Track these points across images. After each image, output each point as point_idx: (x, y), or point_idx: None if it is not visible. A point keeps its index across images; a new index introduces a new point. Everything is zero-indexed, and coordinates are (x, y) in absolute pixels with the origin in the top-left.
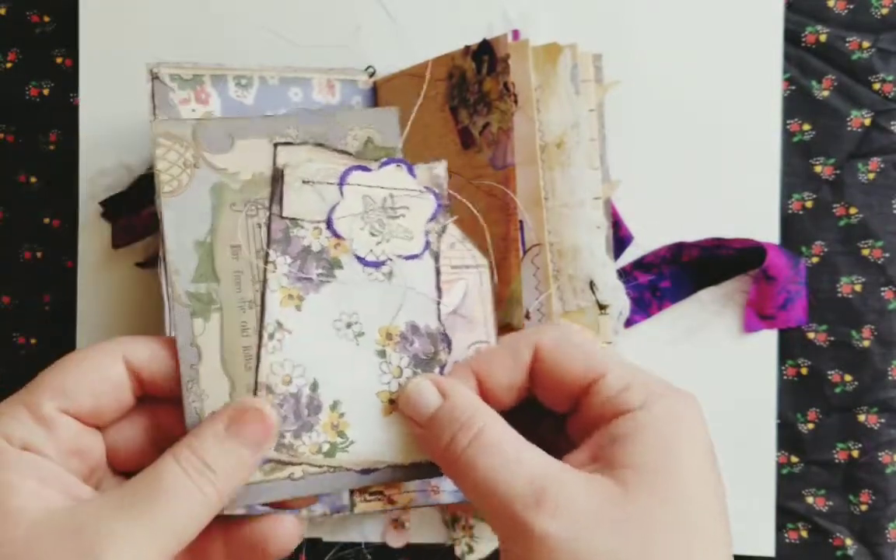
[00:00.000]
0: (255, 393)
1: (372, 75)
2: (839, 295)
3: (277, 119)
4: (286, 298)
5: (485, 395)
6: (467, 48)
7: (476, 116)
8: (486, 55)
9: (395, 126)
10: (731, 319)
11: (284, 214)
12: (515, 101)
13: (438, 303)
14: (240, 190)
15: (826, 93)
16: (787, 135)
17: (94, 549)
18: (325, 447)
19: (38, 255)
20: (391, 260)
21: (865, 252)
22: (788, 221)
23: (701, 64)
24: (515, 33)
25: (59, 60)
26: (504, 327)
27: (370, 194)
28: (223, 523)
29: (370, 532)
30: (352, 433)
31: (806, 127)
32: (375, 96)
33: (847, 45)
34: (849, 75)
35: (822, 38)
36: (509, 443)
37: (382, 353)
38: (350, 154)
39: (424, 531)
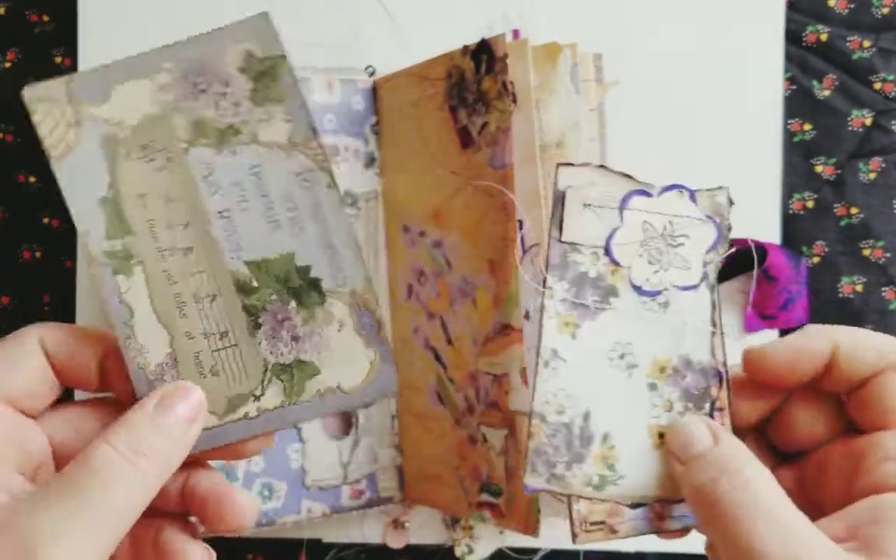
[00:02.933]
0: (529, 421)
1: (372, 75)
2: (840, 295)
3: (150, 54)
4: (562, 326)
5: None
6: (466, 48)
7: (475, 116)
8: (485, 55)
9: (271, 30)
10: (732, 319)
11: (564, 239)
12: (514, 101)
13: (713, 335)
14: (131, 136)
15: (827, 92)
16: (788, 134)
17: (30, 544)
18: (595, 480)
19: (38, 255)
20: (668, 290)
21: (866, 252)
22: (789, 221)
23: (701, 64)
24: (516, 33)
25: (58, 60)
26: (503, 327)
27: (650, 220)
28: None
29: (370, 533)
30: (621, 467)
31: (807, 127)
32: (375, 96)
33: (848, 44)
34: (850, 75)
35: (823, 37)
36: (773, 499)
37: (654, 387)
38: (635, 179)
39: (424, 532)
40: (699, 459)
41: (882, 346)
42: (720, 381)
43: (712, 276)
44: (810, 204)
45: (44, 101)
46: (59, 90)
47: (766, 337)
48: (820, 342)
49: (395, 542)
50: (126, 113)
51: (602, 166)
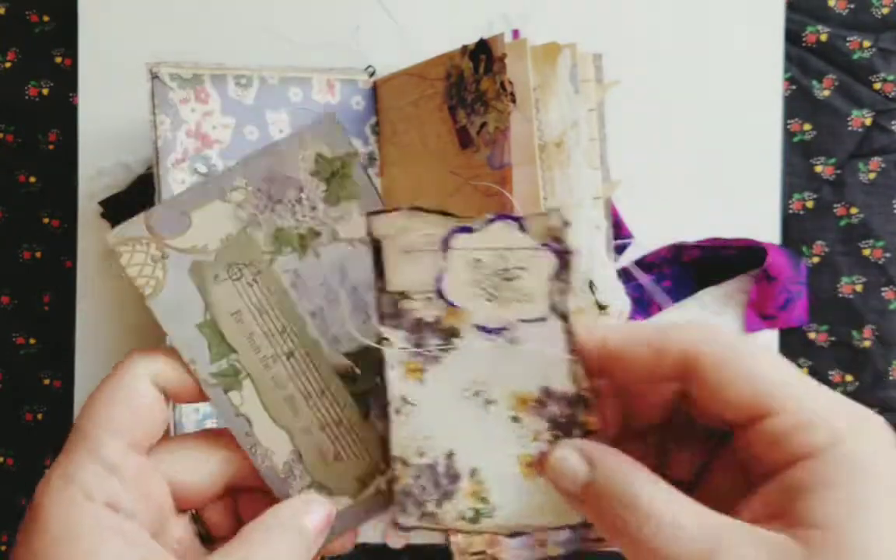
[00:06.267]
0: (388, 466)
1: (372, 75)
2: (840, 295)
3: (222, 176)
4: (408, 372)
5: (616, 383)
6: (465, 48)
7: (473, 116)
8: (484, 54)
9: (340, 131)
10: (732, 319)
11: (389, 289)
12: (513, 101)
13: (574, 363)
14: (215, 260)
15: (827, 92)
16: (788, 134)
17: None
18: (469, 514)
19: (38, 255)
20: (513, 325)
21: (866, 252)
22: (789, 221)
23: (701, 64)
24: (515, 33)
25: (58, 60)
26: None
27: (479, 257)
28: None
29: (371, 533)
30: (495, 499)
31: (807, 127)
32: (375, 96)
33: (848, 44)
34: (849, 75)
35: (823, 37)
36: (667, 506)
37: (517, 419)
38: (454, 216)
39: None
40: (587, 495)
41: (753, 380)
42: (586, 405)
43: (561, 303)
44: (810, 204)
45: (128, 243)
46: (140, 228)
47: (767, 337)
48: (672, 340)
49: (396, 542)
50: (208, 237)
51: (416, 208)
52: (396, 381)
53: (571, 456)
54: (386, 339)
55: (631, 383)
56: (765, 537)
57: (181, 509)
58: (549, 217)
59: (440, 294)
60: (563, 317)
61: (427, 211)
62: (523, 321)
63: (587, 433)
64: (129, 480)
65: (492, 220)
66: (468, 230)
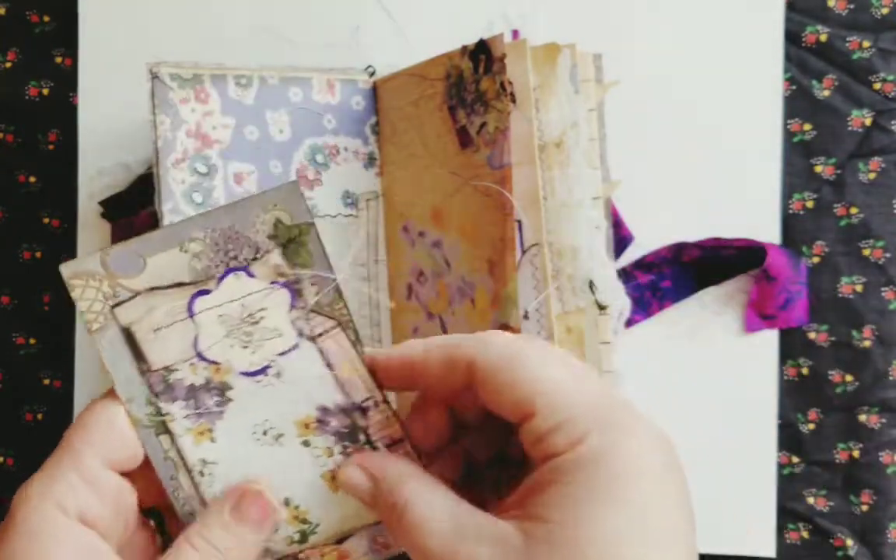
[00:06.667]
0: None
1: (372, 75)
2: (840, 295)
3: (183, 224)
4: (197, 436)
5: (425, 392)
6: (465, 48)
7: (473, 116)
8: (483, 55)
9: (302, 201)
10: (732, 319)
11: (154, 368)
12: (513, 101)
13: (335, 377)
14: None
15: (827, 92)
16: (788, 134)
17: None
18: (297, 536)
19: (38, 255)
20: (273, 361)
21: (866, 252)
22: (789, 221)
23: (701, 64)
24: (515, 33)
25: (58, 60)
26: (501, 327)
27: (224, 312)
28: None
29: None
30: (314, 516)
31: (807, 127)
32: (375, 96)
33: (847, 44)
34: (849, 75)
35: (823, 37)
36: (431, 507)
37: (307, 443)
38: (189, 283)
39: None
40: (374, 502)
41: (521, 385)
42: (363, 411)
43: (307, 328)
44: (810, 204)
45: (82, 276)
46: (95, 265)
47: (767, 337)
48: (460, 352)
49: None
50: (162, 282)
51: (153, 288)
52: (191, 448)
53: (354, 473)
54: (167, 414)
55: (435, 392)
56: (494, 529)
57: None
58: (267, 259)
59: (201, 356)
60: (312, 338)
61: (163, 288)
62: (281, 354)
63: (394, 442)
64: (106, 495)
65: (222, 277)
66: (206, 292)
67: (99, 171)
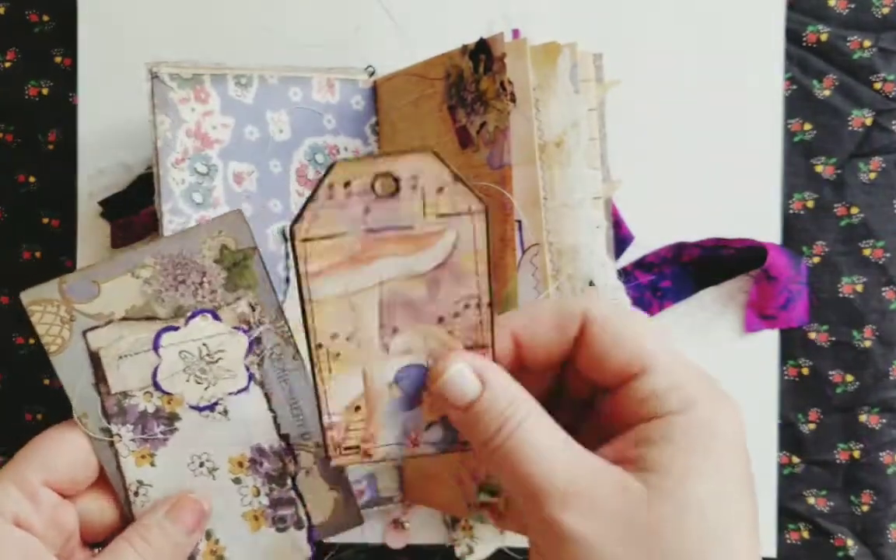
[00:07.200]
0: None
1: (372, 75)
2: (840, 295)
3: (133, 253)
4: (139, 459)
5: (523, 360)
6: (465, 47)
7: (473, 116)
8: (483, 54)
9: (245, 227)
10: (732, 319)
11: (113, 392)
12: (513, 100)
13: (276, 422)
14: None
15: (827, 92)
16: (789, 134)
17: None
18: None
19: (38, 255)
20: (223, 399)
21: (867, 252)
22: (789, 221)
23: (701, 64)
24: (515, 32)
25: (58, 60)
26: None
27: (186, 349)
28: None
29: (370, 533)
30: (229, 555)
31: (807, 126)
32: (375, 96)
33: (848, 44)
34: (850, 75)
35: (824, 37)
36: (547, 437)
37: (238, 481)
38: (160, 318)
39: (424, 532)
40: (473, 411)
41: (634, 341)
42: (294, 458)
43: (258, 373)
44: (810, 204)
45: (41, 303)
46: (53, 291)
47: (767, 337)
48: (573, 306)
49: (395, 542)
50: (114, 306)
51: (125, 318)
52: (132, 468)
53: (466, 374)
54: (117, 435)
55: (540, 360)
56: (613, 473)
57: (86, 542)
58: (236, 306)
59: (157, 387)
60: (261, 384)
61: (135, 319)
62: (231, 394)
63: (478, 346)
64: (43, 508)
65: (191, 317)
66: (174, 329)
67: (99, 171)
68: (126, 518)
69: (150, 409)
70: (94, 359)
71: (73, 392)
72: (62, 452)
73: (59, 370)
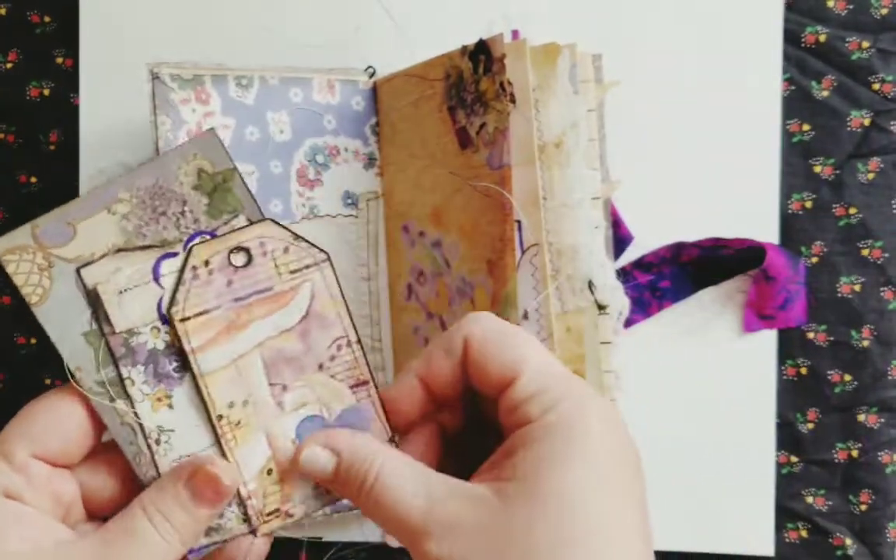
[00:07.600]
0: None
1: (372, 75)
2: (839, 295)
3: (106, 187)
4: (155, 402)
5: (433, 396)
6: (464, 48)
7: (473, 116)
8: (483, 55)
9: (220, 147)
10: (731, 319)
11: (118, 331)
12: (512, 101)
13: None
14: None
15: (826, 93)
16: (787, 135)
17: None
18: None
19: None
20: None
21: (865, 252)
22: (788, 221)
23: (701, 64)
24: (515, 33)
25: (59, 60)
26: None
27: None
28: None
29: (370, 532)
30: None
31: (805, 127)
32: (375, 96)
33: (847, 45)
34: (848, 75)
35: (822, 38)
36: (403, 478)
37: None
38: (157, 246)
39: None
40: (337, 479)
41: (508, 352)
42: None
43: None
44: (809, 204)
45: (15, 251)
46: (26, 236)
47: (765, 337)
48: (457, 331)
49: (395, 540)
50: (92, 248)
51: (120, 249)
52: (149, 413)
53: (317, 452)
54: (128, 379)
55: (445, 391)
56: (468, 490)
57: (92, 516)
58: (235, 224)
59: (164, 320)
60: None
61: (131, 249)
62: None
63: (360, 384)
64: (35, 480)
65: (188, 241)
66: (172, 255)
67: (100, 171)
68: (133, 483)
69: (160, 346)
70: (93, 297)
71: (63, 345)
72: (51, 422)
73: (44, 322)
